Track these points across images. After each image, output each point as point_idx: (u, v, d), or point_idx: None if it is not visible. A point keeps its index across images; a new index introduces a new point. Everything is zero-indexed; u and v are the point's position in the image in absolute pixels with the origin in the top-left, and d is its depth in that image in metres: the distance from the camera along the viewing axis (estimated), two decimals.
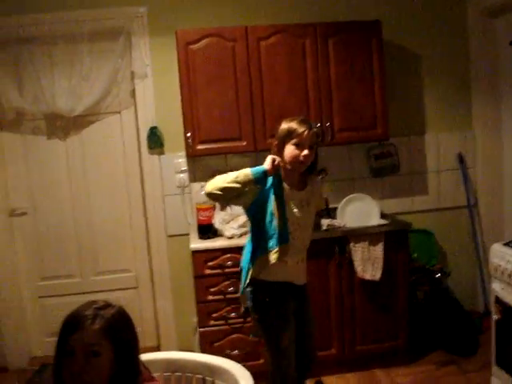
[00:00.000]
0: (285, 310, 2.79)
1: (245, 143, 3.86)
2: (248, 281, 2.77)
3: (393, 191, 4.45)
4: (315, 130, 2.70)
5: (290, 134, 2.65)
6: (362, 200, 4.05)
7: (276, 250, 2.68)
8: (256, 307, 2.81)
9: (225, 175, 2.57)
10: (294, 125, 2.66)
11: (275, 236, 2.68)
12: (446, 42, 4.42)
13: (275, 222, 2.67)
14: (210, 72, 3.79)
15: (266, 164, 2.56)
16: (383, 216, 4.05)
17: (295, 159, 2.66)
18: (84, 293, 4.33)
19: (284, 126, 2.70)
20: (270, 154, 2.68)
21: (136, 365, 1.75)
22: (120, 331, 1.71)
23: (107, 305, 1.74)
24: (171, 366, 2.20)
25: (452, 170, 4.51)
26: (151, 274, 4.37)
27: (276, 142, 2.72)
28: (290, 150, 2.66)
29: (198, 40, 3.77)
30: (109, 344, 1.66)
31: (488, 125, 4.47)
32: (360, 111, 3.96)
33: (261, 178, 2.56)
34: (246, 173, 2.54)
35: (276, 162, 2.56)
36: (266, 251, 2.70)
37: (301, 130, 2.64)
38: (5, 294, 4.23)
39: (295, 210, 2.73)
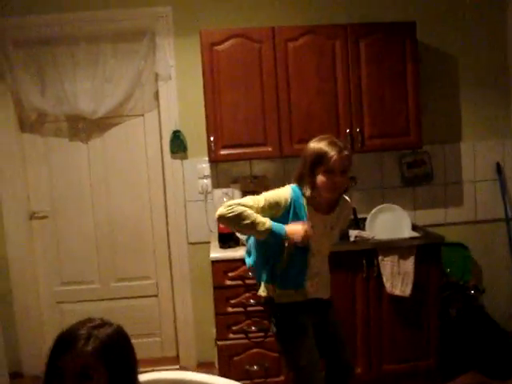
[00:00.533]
0: (300, 328, 2.63)
1: (270, 149, 3.70)
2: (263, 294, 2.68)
3: (425, 202, 4.23)
4: (346, 153, 2.48)
5: (319, 160, 2.45)
6: (393, 211, 3.84)
7: (290, 292, 2.62)
8: (273, 323, 2.68)
9: (244, 212, 2.43)
10: (323, 148, 2.46)
11: (288, 278, 2.60)
12: (484, 44, 4.20)
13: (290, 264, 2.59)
14: (235, 74, 3.65)
15: (291, 233, 2.46)
16: (414, 228, 3.85)
17: (328, 188, 2.48)
18: (103, 299, 4.28)
19: (312, 149, 2.50)
20: (295, 178, 2.58)
21: None
22: (116, 353, 1.56)
23: (103, 323, 1.59)
24: None
25: (489, 180, 4.27)
26: (172, 282, 4.23)
27: (302, 169, 2.54)
28: (320, 179, 2.47)
29: (223, 41, 3.63)
30: (103, 367, 1.51)
31: None
32: (392, 117, 3.77)
33: (275, 237, 2.46)
34: (266, 227, 2.44)
35: (304, 237, 2.46)
36: (280, 287, 2.62)
37: (331, 154, 2.43)
38: (22, 299, 4.15)
39: (315, 239, 2.58)
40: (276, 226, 2.45)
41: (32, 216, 4.18)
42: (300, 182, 2.56)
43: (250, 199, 2.50)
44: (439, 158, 4.22)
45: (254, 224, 2.42)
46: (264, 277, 2.65)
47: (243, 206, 2.45)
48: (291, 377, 2.73)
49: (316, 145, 2.49)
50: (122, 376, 1.56)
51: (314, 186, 2.51)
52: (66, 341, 1.52)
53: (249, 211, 2.43)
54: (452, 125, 4.23)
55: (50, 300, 4.27)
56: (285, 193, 2.54)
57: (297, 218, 2.52)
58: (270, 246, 2.56)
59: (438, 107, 4.17)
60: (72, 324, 1.57)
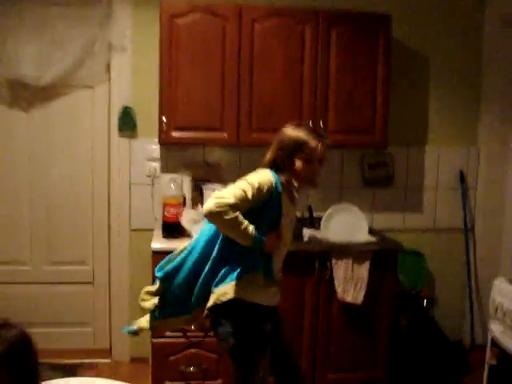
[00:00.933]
0: (264, 337, 2.41)
1: (226, 135, 3.44)
2: (222, 300, 2.34)
3: (384, 205, 4.06)
4: (327, 142, 2.43)
5: (299, 147, 2.37)
6: (350, 211, 3.64)
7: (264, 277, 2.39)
8: (233, 333, 2.37)
9: (239, 217, 2.23)
10: (303, 137, 2.38)
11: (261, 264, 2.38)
12: (458, 47, 4.05)
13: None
14: (195, 51, 3.37)
15: (268, 246, 2.35)
16: (371, 232, 3.65)
17: (306, 176, 2.41)
18: (34, 283, 3.95)
19: (292, 136, 2.40)
20: (268, 163, 2.41)
21: None
22: (21, 358, 1.31)
23: (6, 324, 1.32)
24: None
25: (451, 188, 4.12)
26: (109, 270, 3.94)
27: (277, 154, 2.40)
28: (300, 166, 2.38)
29: (185, 14, 3.35)
30: (6, 373, 1.26)
31: (495, 143, 4.12)
32: (358, 113, 3.57)
33: (255, 246, 2.30)
34: (251, 237, 2.26)
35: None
36: (255, 271, 2.36)
37: (312, 144, 2.36)
38: None
39: (286, 229, 2.45)
40: (258, 236, 2.29)
41: None
42: (274, 168, 2.40)
43: (238, 192, 2.25)
44: (402, 160, 4.05)
45: (245, 231, 2.25)
46: (238, 271, 2.35)
47: (235, 204, 2.22)
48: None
49: (297, 132, 2.39)
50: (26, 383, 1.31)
51: (290, 173, 2.39)
52: None
53: (241, 216, 2.24)
54: (418, 127, 4.07)
55: None
56: (268, 176, 2.35)
57: (277, 204, 2.36)
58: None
59: (405, 108, 4.00)
60: None
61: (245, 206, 2.25)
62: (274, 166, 2.41)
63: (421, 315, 3.89)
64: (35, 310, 3.91)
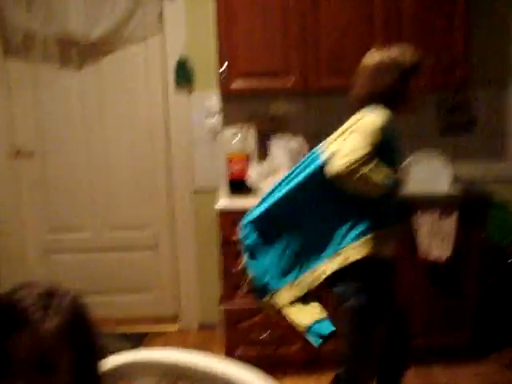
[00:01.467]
0: (388, 292, 2.33)
1: (293, 79, 3.15)
2: (351, 261, 2.17)
3: (465, 154, 3.68)
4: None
5: (415, 69, 2.29)
6: (431, 161, 3.31)
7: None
8: (359, 292, 2.20)
9: (369, 168, 2.05)
10: (414, 55, 2.29)
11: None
12: None
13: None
14: None
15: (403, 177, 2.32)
16: (455, 182, 3.32)
17: (415, 97, 2.35)
18: (96, 250, 3.82)
19: (402, 58, 2.28)
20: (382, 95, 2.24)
21: (98, 377, 1.16)
22: (82, 330, 1.10)
23: (56, 290, 1.10)
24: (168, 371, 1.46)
25: None
26: (173, 233, 3.76)
27: (391, 81, 2.25)
28: (413, 87, 2.30)
29: None
30: (68, 351, 1.05)
31: None
32: (436, 50, 3.20)
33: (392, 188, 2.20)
34: (390, 177, 2.14)
35: None
36: (386, 222, 2.25)
37: (421, 61, 2.30)
38: (8, 248, 3.70)
39: None
40: (391, 173, 2.16)
41: (17, 154, 3.68)
42: (388, 100, 2.25)
43: (361, 143, 2.06)
44: (484, 103, 3.65)
45: (384, 177, 2.11)
46: (368, 224, 2.17)
47: (369, 152, 2.06)
48: (347, 354, 2.29)
49: (404, 53, 2.29)
50: (89, 360, 1.13)
51: (399, 100, 2.29)
52: (14, 316, 1.04)
53: (370, 165, 2.07)
54: (502, 64, 3.65)
55: (38, 249, 3.81)
56: (375, 117, 2.17)
57: (390, 141, 2.21)
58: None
59: (487, 43, 3.58)
60: (8, 291, 1.08)
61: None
62: (390, 96, 2.25)
63: (509, 272, 3.57)
64: (98, 278, 3.80)
